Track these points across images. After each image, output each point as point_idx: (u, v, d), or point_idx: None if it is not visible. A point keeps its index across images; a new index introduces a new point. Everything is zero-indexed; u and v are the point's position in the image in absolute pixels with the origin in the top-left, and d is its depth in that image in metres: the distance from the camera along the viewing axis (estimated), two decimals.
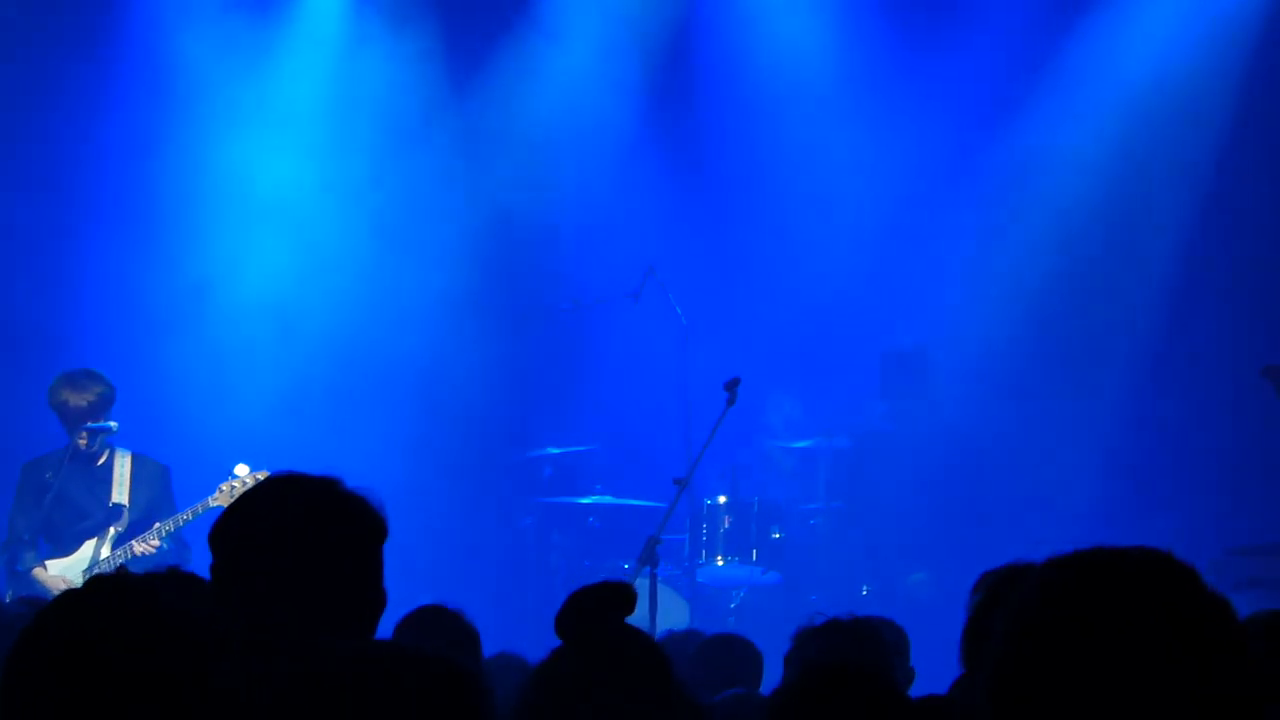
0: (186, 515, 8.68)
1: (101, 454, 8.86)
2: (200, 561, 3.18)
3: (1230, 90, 10.93)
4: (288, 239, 11.57)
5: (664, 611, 8.60)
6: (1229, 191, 10.95)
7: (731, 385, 8.65)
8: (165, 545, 8.70)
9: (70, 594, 2.59)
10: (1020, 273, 11.29)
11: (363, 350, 11.61)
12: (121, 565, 8.63)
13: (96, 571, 8.57)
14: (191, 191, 11.38)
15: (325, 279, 11.63)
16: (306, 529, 3.07)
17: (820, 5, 11.85)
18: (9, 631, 2.61)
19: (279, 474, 3.21)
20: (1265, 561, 8.95)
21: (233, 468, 8.71)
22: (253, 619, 2.94)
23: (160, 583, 2.63)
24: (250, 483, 8.54)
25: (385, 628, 3.13)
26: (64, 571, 8.69)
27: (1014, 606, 2.06)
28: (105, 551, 8.75)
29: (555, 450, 11.43)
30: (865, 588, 10.76)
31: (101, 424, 8.71)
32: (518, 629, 8.98)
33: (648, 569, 8.39)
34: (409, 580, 4.83)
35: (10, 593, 8.47)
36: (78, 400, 8.69)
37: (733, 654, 5.69)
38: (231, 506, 3.15)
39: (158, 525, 8.70)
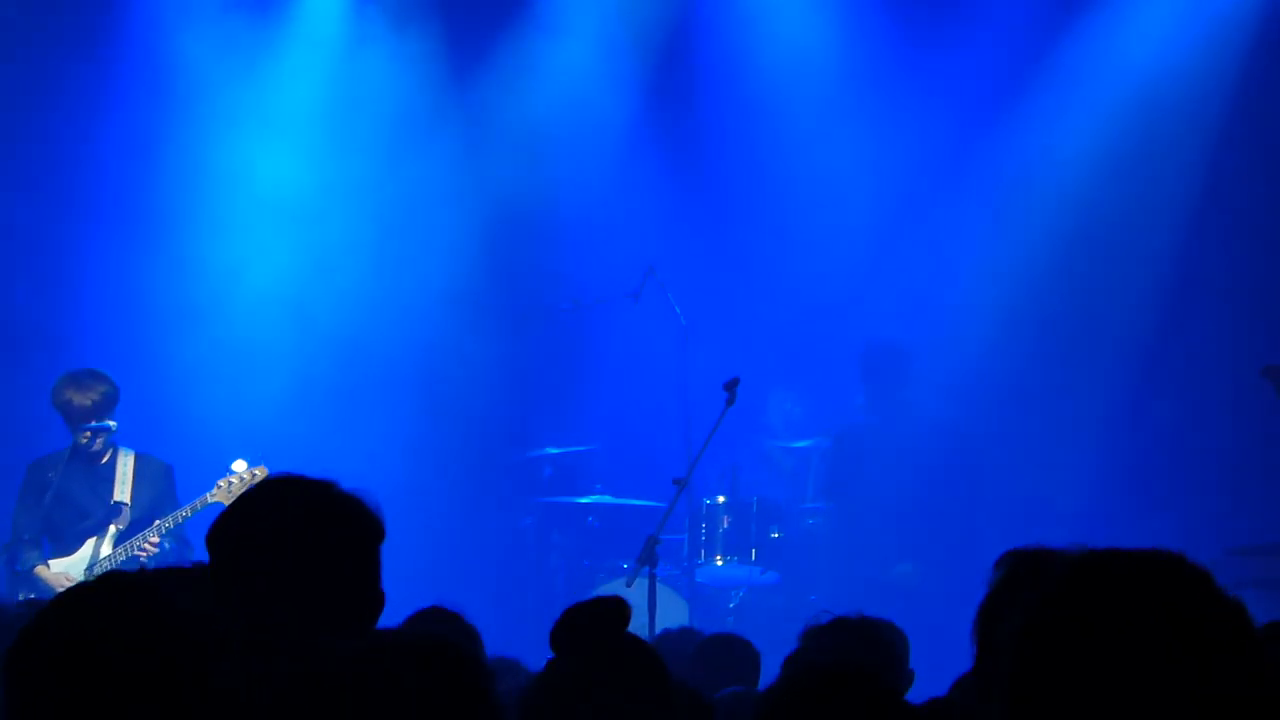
0: (185, 512, 8.70)
1: (105, 453, 8.88)
2: (201, 560, 3.17)
3: (1228, 89, 10.93)
4: (288, 238, 11.57)
5: (663, 611, 8.60)
6: (1228, 190, 10.94)
7: (731, 385, 8.65)
8: (167, 544, 8.72)
9: (69, 592, 2.59)
10: (1018, 271, 11.28)
11: (363, 350, 11.61)
12: (121, 563, 8.65)
13: (97, 570, 8.59)
14: (192, 191, 11.39)
15: (325, 278, 11.63)
16: (305, 530, 3.08)
17: (821, 3, 11.84)
18: (9, 632, 2.61)
19: (277, 475, 3.22)
20: (1265, 561, 8.95)
21: (230, 464, 8.73)
22: (251, 619, 2.94)
23: (160, 580, 2.64)
24: (248, 479, 8.56)
25: (384, 628, 3.13)
26: (66, 570, 8.70)
27: (1027, 607, 2.06)
28: (106, 550, 8.76)
29: (555, 450, 11.43)
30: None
31: (100, 423, 8.72)
32: (517, 629, 8.99)
33: (647, 569, 8.39)
34: (408, 580, 4.83)
35: (20, 593, 8.48)
36: (81, 399, 8.71)
37: (731, 653, 5.70)
38: (230, 507, 3.16)
39: (157, 523, 8.71)
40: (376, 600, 3.11)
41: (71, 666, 2.45)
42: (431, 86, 11.85)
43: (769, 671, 5.43)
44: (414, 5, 11.79)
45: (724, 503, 10.77)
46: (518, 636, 6.19)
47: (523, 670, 4.97)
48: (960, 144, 11.46)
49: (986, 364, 11.15)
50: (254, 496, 3.16)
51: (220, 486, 8.60)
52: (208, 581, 3.05)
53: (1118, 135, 11.13)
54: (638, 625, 7.86)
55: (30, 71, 11.12)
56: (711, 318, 11.20)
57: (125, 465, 8.88)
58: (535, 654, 4.11)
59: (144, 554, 8.65)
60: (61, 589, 3.77)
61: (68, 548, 8.84)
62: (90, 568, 8.68)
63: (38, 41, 11.15)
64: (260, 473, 8.63)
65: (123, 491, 8.83)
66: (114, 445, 8.92)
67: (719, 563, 10.69)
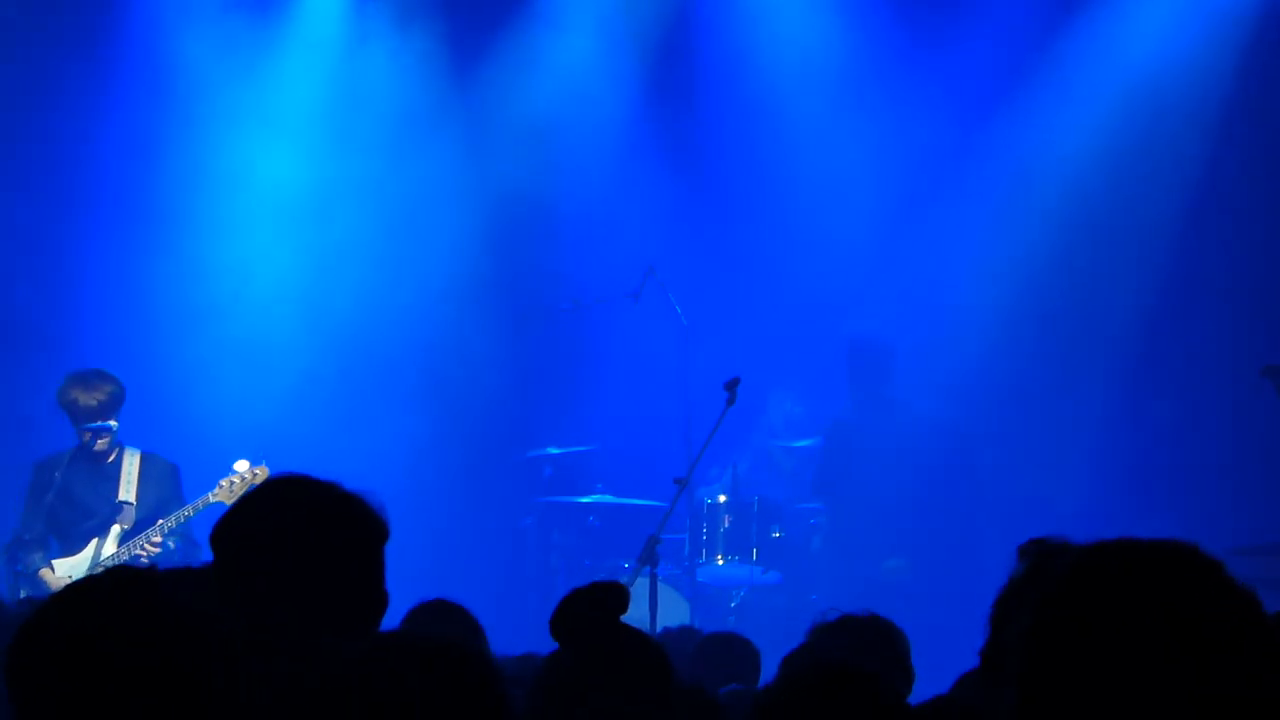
0: (187, 511, 8.71)
1: (110, 452, 8.89)
2: (209, 561, 3.17)
3: (1229, 87, 10.93)
4: (289, 238, 11.58)
5: (664, 611, 8.61)
6: (1228, 189, 10.94)
7: (731, 385, 8.66)
8: (172, 543, 8.72)
9: (70, 588, 2.59)
10: (1018, 269, 11.28)
11: (364, 350, 11.62)
12: (124, 563, 8.65)
13: (99, 570, 8.59)
14: (195, 191, 11.40)
15: (327, 278, 11.64)
16: (308, 530, 3.08)
17: (821, 2, 11.84)
18: (9, 631, 2.61)
19: (280, 475, 3.22)
20: (1265, 561, 8.95)
21: (232, 464, 8.74)
22: (254, 619, 2.94)
23: (160, 577, 2.64)
24: (250, 478, 8.57)
25: (384, 628, 3.14)
26: (70, 570, 8.71)
27: (1035, 606, 2.05)
28: (111, 549, 8.77)
29: (555, 450, 11.43)
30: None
31: (101, 423, 8.72)
32: (518, 629, 8.98)
33: (648, 568, 8.40)
34: (409, 580, 4.83)
35: (22, 592, 8.49)
36: (88, 399, 8.72)
37: (731, 652, 5.71)
38: (233, 507, 3.16)
39: (160, 523, 8.72)
40: (380, 601, 3.11)
41: (72, 662, 2.45)
42: (432, 84, 11.85)
43: (769, 670, 5.44)
44: (415, 3, 11.79)
45: (725, 502, 10.78)
46: (518, 636, 6.18)
47: (533, 664, 4.97)
48: (960, 142, 11.46)
49: (986, 362, 11.15)
50: (258, 496, 3.17)
51: (222, 486, 8.62)
52: (210, 581, 3.06)
53: (1117, 134, 11.13)
54: (639, 625, 7.88)
55: (30, 71, 11.13)
56: (712, 317, 11.20)
57: (131, 465, 8.90)
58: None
59: (145, 554, 8.65)
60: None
61: (73, 547, 8.86)
62: (93, 568, 8.68)
63: (38, 41, 11.15)
64: (261, 472, 8.64)
65: (128, 491, 8.85)
66: (120, 445, 8.93)
67: (720, 562, 10.70)
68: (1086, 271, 11.24)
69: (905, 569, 10.56)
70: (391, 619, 3.14)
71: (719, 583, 10.88)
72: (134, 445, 8.99)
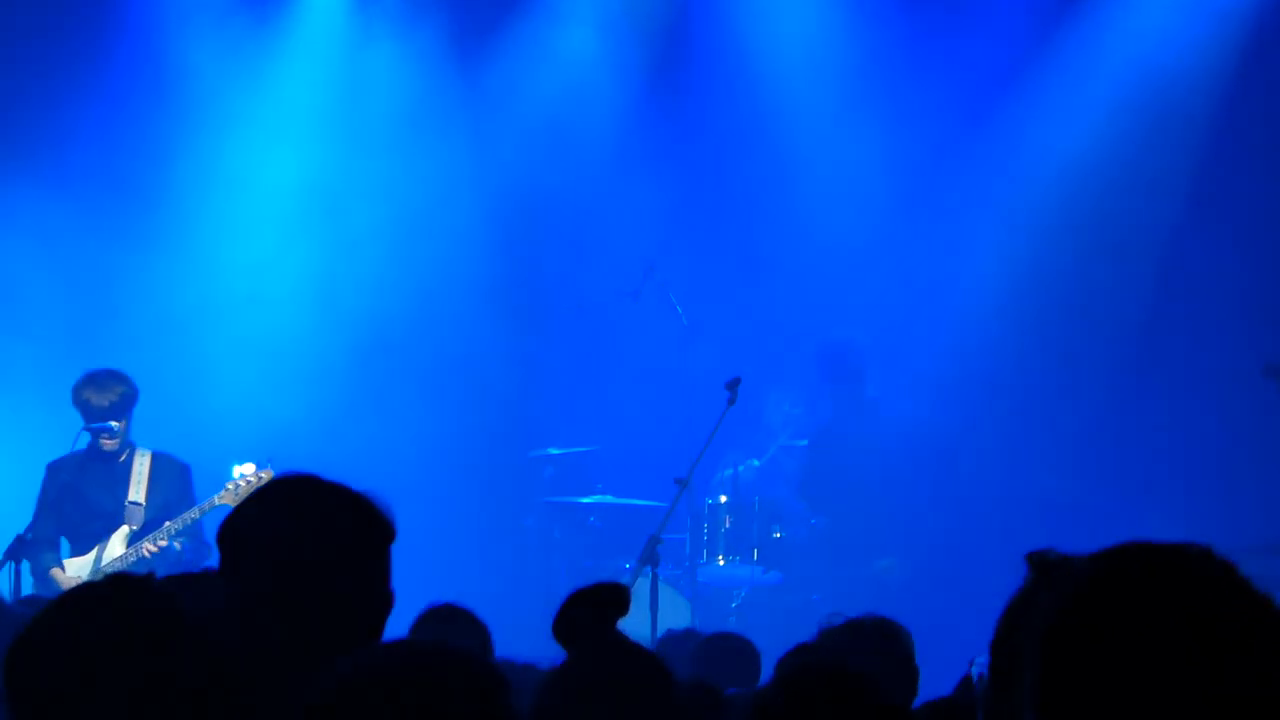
0: (193, 513, 8.72)
1: (121, 453, 8.91)
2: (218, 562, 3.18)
3: (1231, 86, 10.93)
4: (292, 238, 11.59)
5: (665, 611, 8.61)
6: (1228, 188, 10.94)
7: (732, 385, 8.67)
8: (180, 544, 8.73)
9: (71, 592, 2.60)
10: (1018, 268, 11.28)
11: (366, 349, 11.62)
12: (130, 565, 8.66)
13: (106, 570, 8.60)
14: (205, 192, 11.42)
15: (333, 278, 11.65)
16: (314, 531, 3.08)
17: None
18: (10, 630, 2.62)
19: (285, 475, 3.22)
20: (1265, 561, 8.95)
21: (240, 466, 8.75)
22: (259, 619, 2.95)
23: (162, 581, 2.64)
24: (255, 481, 8.58)
25: (388, 628, 3.14)
26: (79, 570, 8.72)
27: (1049, 611, 2.04)
28: (119, 549, 8.77)
29: (556, 450, 11.43)
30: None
31: (102, 424, 8.73)
32: (519, 629, 8.98)
33: (649, 568, 8.40)
34: (409, 579, 4.84)
35: (35, 591, 8.50)
36: (100, 399, 8.75)
37: (731, 653, 5.71)
38: (238, 508, 3.16)
39: (167, 525, 8.73)
40: (385, 601, 3.11)
41: (68, 668, 2.46)
42: (437, 81, 11.85)
43: (770, 671, 5.44)
44: (419, 0, 11.80)
45: (726, 502, 10.78)
46: (519, 636, 6.18)
47: (536, 673, 4.98)
48: (961, 140, 11.45)
49: (986, 362, 11.16)
50: (262, 496, 3.17)
51: (228, 489, 8.62)
52: (214, 585, 3.06)
53: (1117, 133, 11.13)
54: (640, 625, 7.89)
55: (43, 74, 11.15)
56: (712, 317, 11.20)
57: (142, 465, 8.92)
58: (536, 654, 4.12)
59: (148, 555, 8.64)
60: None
61: (83, 548, 8.88)
62: (98, 568, 8.70)
63: (37, 42, 11.18)
64: (267, 475, 8.64)
65: (138, 491, 8.86)
66: (131, 445, 8.95)
67: (721, 563, 10.70)
68: (1086, 271, 11.23)
69: (896, 569, 10.57)
70: (394, 618, 3.14)
71: (720, 583, 10.88)
72: (148, 445, 9.01)
